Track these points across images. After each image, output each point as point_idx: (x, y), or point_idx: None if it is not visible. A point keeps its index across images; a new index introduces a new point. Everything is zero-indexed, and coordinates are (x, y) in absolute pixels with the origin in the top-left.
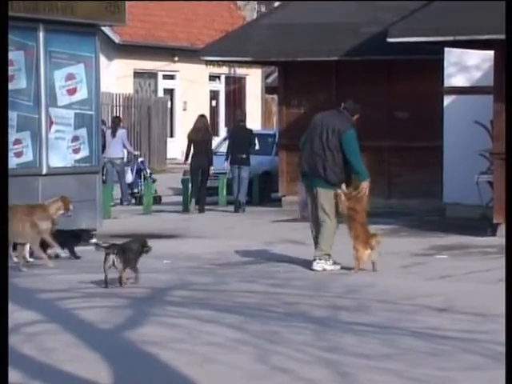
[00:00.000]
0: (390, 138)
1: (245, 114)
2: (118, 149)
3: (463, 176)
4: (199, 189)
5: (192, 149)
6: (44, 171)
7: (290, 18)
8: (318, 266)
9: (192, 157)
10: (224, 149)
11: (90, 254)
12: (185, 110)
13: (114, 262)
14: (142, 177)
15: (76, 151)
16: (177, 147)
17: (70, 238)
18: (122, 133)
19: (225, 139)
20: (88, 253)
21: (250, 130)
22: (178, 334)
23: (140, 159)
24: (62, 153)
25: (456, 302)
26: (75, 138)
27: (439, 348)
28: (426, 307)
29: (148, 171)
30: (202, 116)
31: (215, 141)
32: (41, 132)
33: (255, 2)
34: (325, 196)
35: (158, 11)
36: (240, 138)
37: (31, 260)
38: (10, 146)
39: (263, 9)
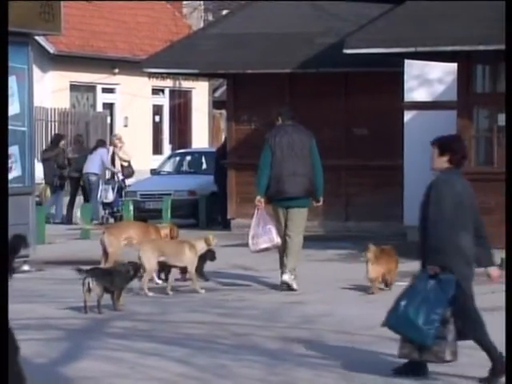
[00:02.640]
0: (347, 157)
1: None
2: (95, 164)
3: None
4: None
5: None
6: None
7: (239, 27)
8: (291, 279)
9: None
10: (169, 168)
11: (21, 281)
12: (126, 126)
13: (89, 286)
14: (124, 195)
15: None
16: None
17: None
18: (102, 151)
19: (170, 157)
20: (18, 281)
21: None
22: (120, 368)
23: (121, 177)
24: None
25: None
26: None
27: (400, 382)
28: (386, 338)
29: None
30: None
31: (158, 160)
32: None
33: (202, 10)
34: (304, 213)
35: (97, 19)
36: None
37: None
38: None
39: (210, 17)
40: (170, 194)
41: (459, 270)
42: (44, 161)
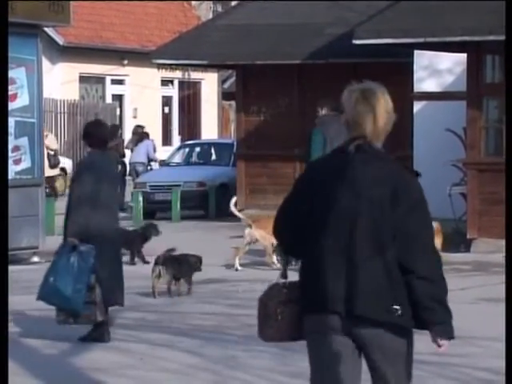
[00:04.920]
0: None
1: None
2: (141, 154)
3: (434, 188)
4: None
5: None
6: None
7: (248, 18)
8: None
9: None
10: (178, 159)
11: (31, 272)
12: (135, 117)
13: (159, 273)
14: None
15: (16, 162)
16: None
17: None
18: (148, 143)
19: (179, 149)
20: (28, 272)
21: None
22: (130, 359)
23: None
24: None
25: None
26: (16, 148)
27: (412, 373)
28: None
29: None
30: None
31: (167, 151)
32: None
33: (210, 1)
34: None
35: (106, 11)
36: None
37: None
38: None
39: (219, 8)
40: (179, 186)
41: (99, 241)
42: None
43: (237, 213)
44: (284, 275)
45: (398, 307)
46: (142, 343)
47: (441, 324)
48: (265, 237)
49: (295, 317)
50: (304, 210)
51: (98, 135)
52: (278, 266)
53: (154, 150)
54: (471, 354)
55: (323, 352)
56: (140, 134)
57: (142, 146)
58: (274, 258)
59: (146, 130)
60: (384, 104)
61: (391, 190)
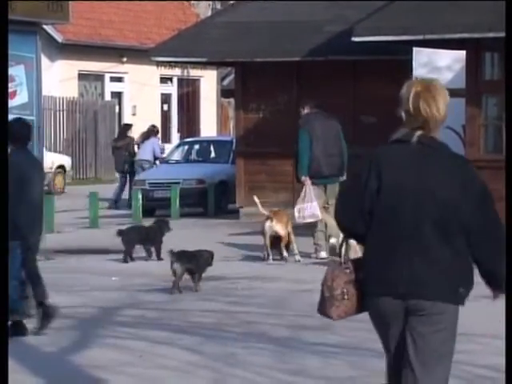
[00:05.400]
0: (355, 145)
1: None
2: (147, 152)
3: None
4: None
5: None
6: None
7: (247, 15)
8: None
9: None
10: (177, 157)
11: None
12: (134, 114)
13: (177, 268)
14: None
15: None
16: None
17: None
18: (154, 140)
19: (178, 146)
20: None
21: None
22: (129, 356)
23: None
24: None
25: None
26: None
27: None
28: None
29: None
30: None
31: (167, 149)
32: None
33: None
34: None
35: (105, 8)
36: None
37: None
38: None
39: (218, 6)
40: (178, 183)
41: (24, 237)
42: (115, 149)
43: (260, 207)
44: (344, 257)
45: (462, 289)
46: (142, 340)
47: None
48: (283, 228)
49: (359, 294)
50: (369, 197)
51: (18, 133)
52: (296, 256)
53: (162, 149)
54: (471, 350)
55: (390, 335)
56: (147, 132)
57: (149, 143)
58: (295, 248)
59: (146, 127)
60: (444, 96)
61: (459, 181)
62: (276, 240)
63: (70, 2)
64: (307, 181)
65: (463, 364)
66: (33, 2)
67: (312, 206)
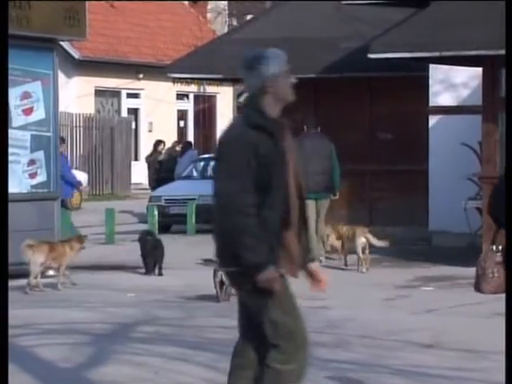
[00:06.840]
0: (371, 161)
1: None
2: (184, 166)
3: (450, 202)
4: None
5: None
6: None
7: (263, 32)
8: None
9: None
10: (193, 173)
11: (46, 286)
12: (150, 131)
13: (222, 278)
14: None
15: (32, 176)
16: (142, 171)
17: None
18: (191, 153)
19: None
20: (43, 285)
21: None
22: (144, 373)
23: None
24: (16, 178)
25: (443, 337)
26: (31, 162)
27: None
28: (411, 343)
29: None
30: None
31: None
32: None
33: (226, 15)
34: (325, 204)
35: (121, 24)
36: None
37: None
38: None
39: (235, 22)
40: (194, 199)
41: None
42: (148, 164)
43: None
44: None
45: None
46: (158, 357)
47: None
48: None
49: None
50: None
51: None
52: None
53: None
54: (485, 368)
55: None
56: (183, 147)
57: (186, 156)
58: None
59: (162, 143)
60: None
61: None
62: None
63: (87, 14)
64: None
65: (476, 381)
66: (50, 18)
67: None
